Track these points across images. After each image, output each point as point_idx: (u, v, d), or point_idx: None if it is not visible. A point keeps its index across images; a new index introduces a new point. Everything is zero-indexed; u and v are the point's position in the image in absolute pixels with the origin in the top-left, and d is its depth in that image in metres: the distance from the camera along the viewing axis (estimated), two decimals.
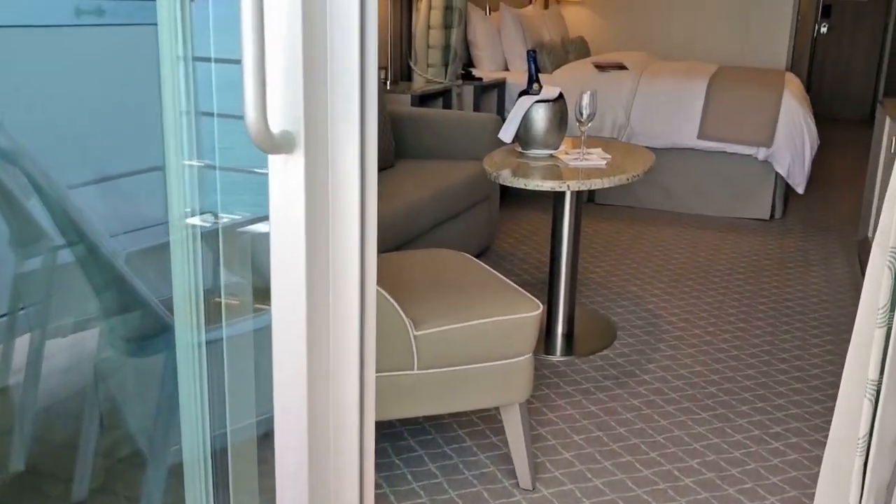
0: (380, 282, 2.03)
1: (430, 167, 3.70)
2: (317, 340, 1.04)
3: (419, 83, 4.65)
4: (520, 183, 2.57)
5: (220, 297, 1.20)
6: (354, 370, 1.07)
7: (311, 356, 1.03)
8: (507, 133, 2.93)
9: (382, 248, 2.88)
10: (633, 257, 4.08)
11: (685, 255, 4.15)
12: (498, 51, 5.63)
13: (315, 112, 0.98)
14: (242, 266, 1.22)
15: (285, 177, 0.98)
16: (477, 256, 4.03)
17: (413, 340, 1.84)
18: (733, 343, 3.08)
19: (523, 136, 2.94)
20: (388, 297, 1.80)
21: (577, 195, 2.98)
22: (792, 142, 4.66)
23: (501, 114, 5.20)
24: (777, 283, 3.77)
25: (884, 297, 1.25)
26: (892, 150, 3.22)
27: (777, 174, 4.81)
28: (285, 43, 0.95)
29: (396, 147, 4.01)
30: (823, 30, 9.85)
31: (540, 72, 5.64)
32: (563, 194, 2.95)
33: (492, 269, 2.27)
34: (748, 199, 4.88)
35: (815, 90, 10.04)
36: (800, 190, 4.75)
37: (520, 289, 2.10)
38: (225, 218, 1.22)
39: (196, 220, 1.21)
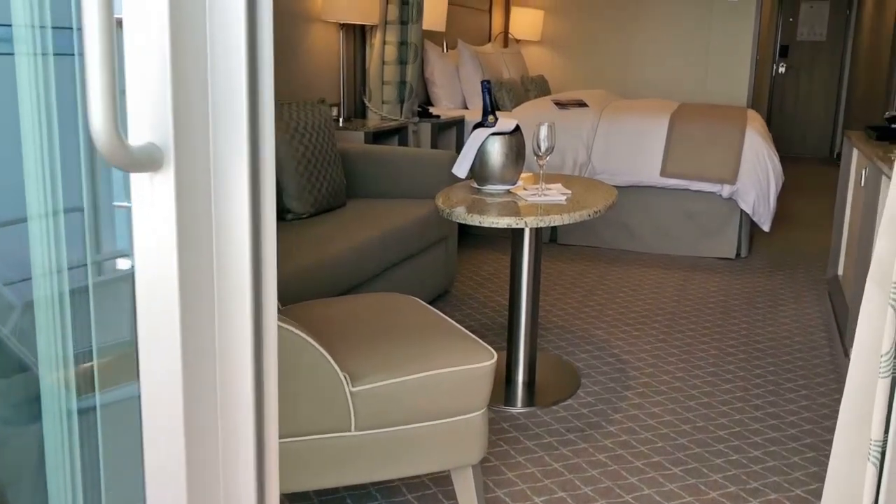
0: (314, 331, 1.81)
1: (382, 206, 3.50)
2: (198, 415, 0.83)
3: (374, 120, 4.48)
4: (474, 220, 2.38)
5: (92, 359, 0.98)
6: (250, 451, 0.85)
7: (192, 435, 0.82)
8: (461, 168, 2.76)
9: (327, 293, 2.67)
10: (598, 299, 3.91)
11: (651, 296, 3.98)
12: (456, 88, 5.50)
13: (190, 122, 0.78)
14: (120, 323, 1.00)
15: (151, 200, 0.77)
16: (434, 300, 3.82)
17: (350, 398, 1.62)
18: (704, 389, 2.90)
19: (479, 171, 2.77)
20: (321, 348, 1.58)
21: (537, 233, 2.80)
22: (756, 178, 4.55)
23: (460, 152, 5.04)
24: (746, 323, 3.61)
25: (888, 342, 1.07)
26: (863, 183, 3.10)
27: (742, 212, 4.70)
28: (149, 36, 0.75)
29: (348, 186, 3.82)
30: (782, 70, 9.92)
31: (499, 107, 5.52)
32: (521, 232, 2.77)
33: (444, 315, 2.06)
34: (713, 238, 4.75)
35: (775, 130, 10.08)
36: (765, 228, 4.63)
37: (473, 336, 1.90)
38: (102, 267, 1.01)
39: (65, 271, 0.99)
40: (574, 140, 4.83)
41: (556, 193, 2.72)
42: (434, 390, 1.70)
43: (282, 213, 3.29)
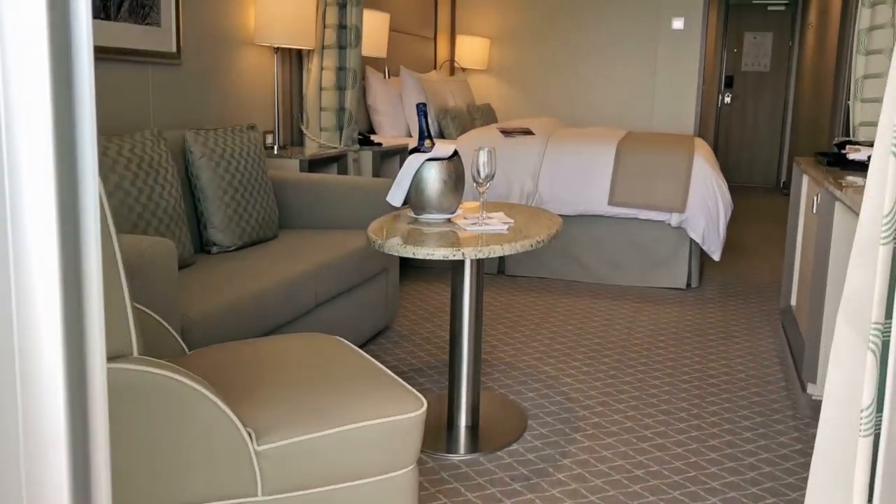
0: (219, 378, 1.60)
1: (317, 238, 3.30)
2: None
3: (312, 148, 4.28)
4: (408, 252, 2.19)
5: None
6: None
7: None
8: (395, 196, 2.57)
9: (251, 333, 2.45)
10: (546, 333, 3.74)
11: (601, 328, 3.83)
12: (399, 116, 5.34)
13: None
14: None
15: None
16: (374, 337, 3.61)
17: (254, 457, 1.41)
18: (657, 429, 2.73)
19: (415, 200, 2.59)
20: (218, 400, 1.37)
21: (479, 265, 2.62)
22: (705, 206, 4.45)
23: None
24: (699, 356, 3.47)
25: (869, 395, 0.90)
26: (815, 210, 2.99)
27: (692, 241, 4.59)
28: None
29: (281, 216, 3.61)
30: (727, 100, 9.99)
31: (443, 135, 5.36)
32: (461, 264, 2.59)
33: (370, 358, 1.86)
34: (663, 268, 4.63)
35: (721, 159, 10.12)
36: (716, 257, 4.53)
37: (401, 382, 1.70)
38: None
39: None
40: (520, 169, 4.69)
41: (498, 222, 2.55)
42: (354, 446, 1.49)
43: (206, 246, 3.07)
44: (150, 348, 1.77)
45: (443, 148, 2.58)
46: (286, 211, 3.61)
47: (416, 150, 2.61)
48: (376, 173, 4.53)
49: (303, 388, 1.59)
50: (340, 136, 4.35)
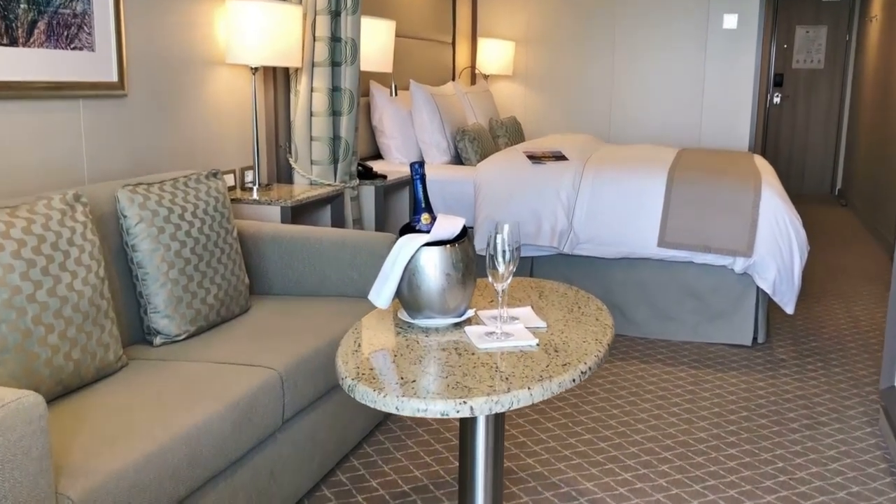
0: None
1: (298, 313, 2.59)
2: None
3: (301, 186, 3.58)
4: (389, 404, 1.47)
5: None
6: None
7: None
8: (380, 295, 1.85)
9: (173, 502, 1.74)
10: (586, 420, 3.00)
11: (654, 412, 3.08)
12: (410, 138, 4.61)
13: None
14: None
15: None
16: (365, 439, 2.90)
17: None
18: None
19: (408, 298, 1.86)
20: None
21: (497, 418, 1.88)
22: (777, 249, 3.68)
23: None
24: (781, 455, 2.72)
25: None
26: None
27: (758, 289, 3.82)
28: None
29: (257, 281, 2.91)
30: (776, 100, 9.15)
31: (461, 161, 4.64)
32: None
33: None
34: (723, 321, 3.87)
35: (769, 164, 9.27)
36: (789, 309, 3.75)
37: None
38: None
39: None
40: (551, 202, 3.95)
41: (524, 331, 1.82)
42: None
43: (148, 336, 2.37)
44: None
45: (446, 225, 1.85)
46: (262, 274, 2.91)
47: (409, 227, 1.89)
48: (380, 213, 3.81)
49: None
50: (335, 170, 3.64)
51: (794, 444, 2.83)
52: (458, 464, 2.69)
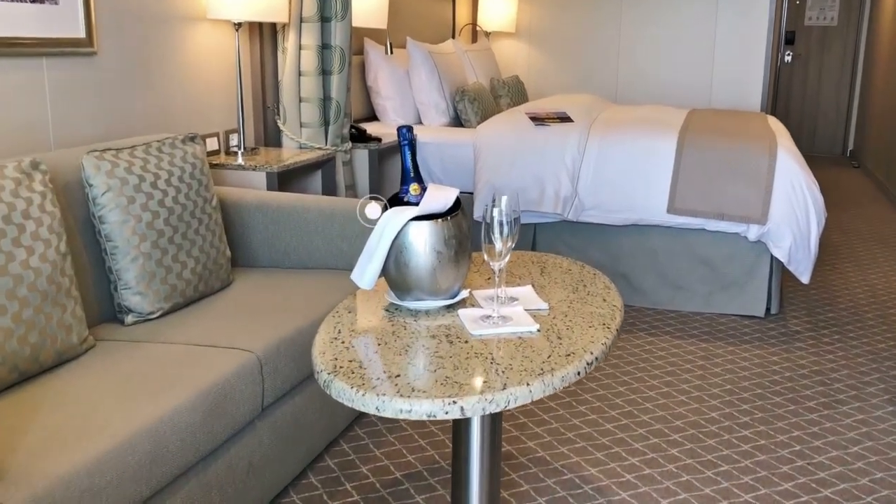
0: None
1: (283, 287, 2.42)
2: None
3: (291, 150, 3.38)
4: (368, 403, 1.30)
5: None
6: None
7: None
8: (364, 275, 1.67)
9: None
10: (590, 399, 2.83)
11: (663, 389, 2.91)
12: (407, 98, 4.40)
13: None
14: None
15: None
16: (350, 426, 2.73)
17: None
18: None
19: (395, 277, 1.68)
20: None
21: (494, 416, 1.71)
22: (794, 216, 3.48)
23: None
24: (798, 437, 2.55)
25: None
26: None
27: (772, 258, 3.63)
28: None
29: (240, 253, 2.73)
30: (787, 58, 8.87)
31: (461, 123, 4.43)
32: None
33: None
34: (735, 291, 3.69)
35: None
36: (804, 279, 3.57)
37: None
38: None
39: None
40: (555, 167, 3.75)
41: (523, 313, 1.64)
42: None
43: (119, 314, 2.20)
44: None
45: (437, 196, 1.66)
46: (246, 245, 2.73)
47: (397, 198, 1.70)
48: (374, 178, 3.62)
49: None
50: (326, 133, 3.43)
51: (811, 425, 2.67)
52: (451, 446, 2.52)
